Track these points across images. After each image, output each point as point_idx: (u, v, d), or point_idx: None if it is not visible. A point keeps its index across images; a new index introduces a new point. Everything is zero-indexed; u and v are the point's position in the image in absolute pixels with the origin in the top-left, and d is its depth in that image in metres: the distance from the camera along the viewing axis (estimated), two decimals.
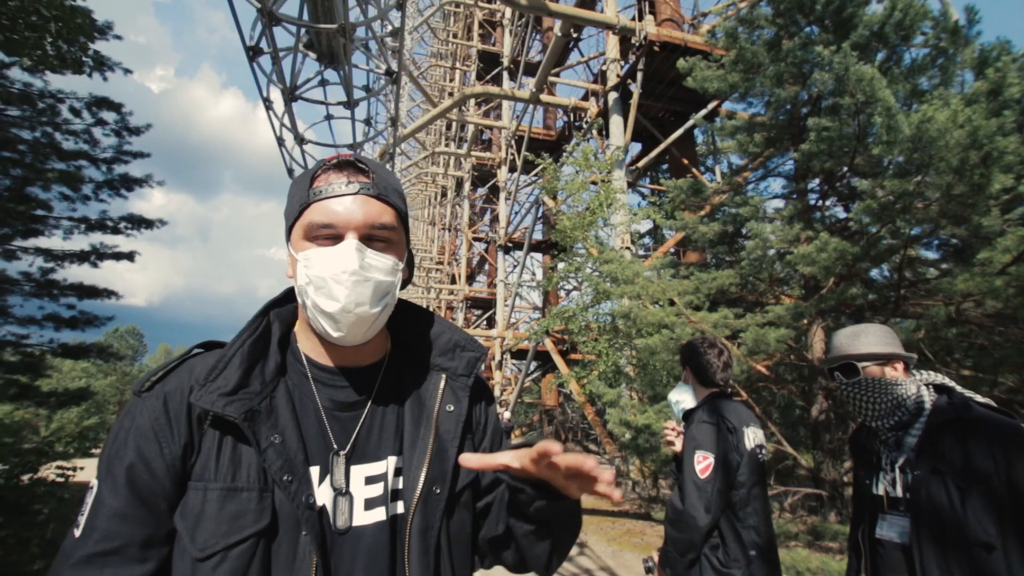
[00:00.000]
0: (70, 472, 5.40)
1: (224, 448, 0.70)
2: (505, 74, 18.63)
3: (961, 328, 5.12)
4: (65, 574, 0.63)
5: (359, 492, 0.74)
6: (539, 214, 18.37)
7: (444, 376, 0.84)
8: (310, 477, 0.72)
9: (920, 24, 5.69)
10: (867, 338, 1.61)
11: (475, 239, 25.93)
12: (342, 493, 0.73)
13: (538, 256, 22.98)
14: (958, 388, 1.53)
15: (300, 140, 6.66)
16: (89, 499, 0.67)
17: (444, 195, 28.81)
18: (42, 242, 7.74)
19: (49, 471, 5.42)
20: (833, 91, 5.58)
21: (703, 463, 1.93)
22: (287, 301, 0.86)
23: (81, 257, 8.01)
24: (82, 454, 5.68)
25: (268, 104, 5.99)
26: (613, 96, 11.71)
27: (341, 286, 0.71)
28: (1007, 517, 1.28)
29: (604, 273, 8.87)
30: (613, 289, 8.43)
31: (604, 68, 12.40)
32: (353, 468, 0.75)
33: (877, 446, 1.62)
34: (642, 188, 15.41)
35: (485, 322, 25.94)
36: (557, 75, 16.03)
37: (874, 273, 6.98)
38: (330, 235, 0.73)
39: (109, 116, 7.86)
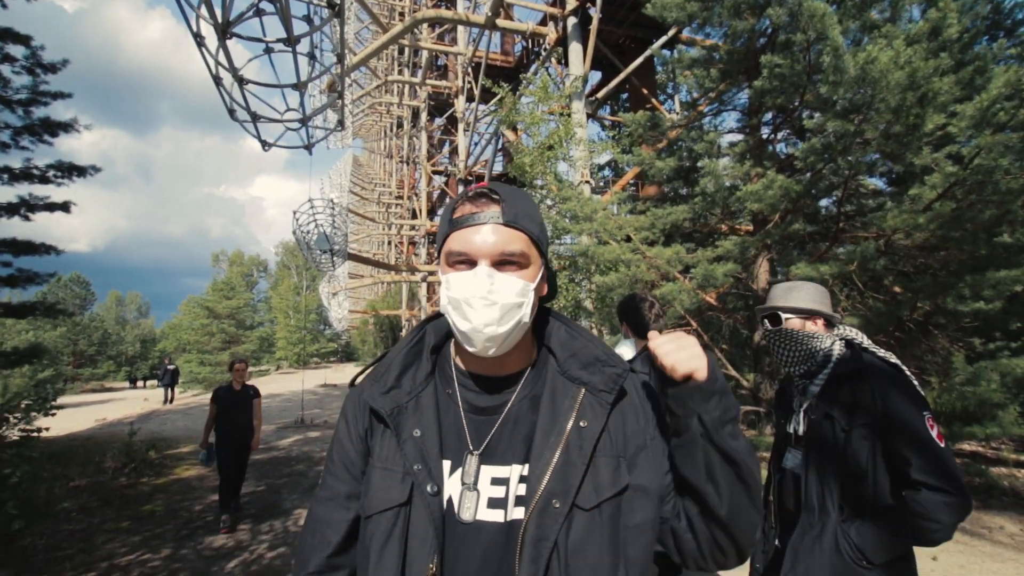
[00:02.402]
0: (34, 433, 5.40)
1: (385, 435, 0.87)
2: None
3: (889, 259, 5.53)
4: (314, 507, 0.92)
5: (485, 490, 0.82)
6: (499, 146, 17.94)
7: (583, 390, 0.86)
8: (441, 469, 0.83)
9: None
10: (797, 294, 1.80)
11: (434, 172, 25.23)
12: (470, 488, 0.82)
13: None
14: (866, 343, 1.74)
15: (240, 80, 6.23)
16: (328, 459, 0.95)
17: (400, 126, 27.54)
18: None
19: (11, 431, 5.39)
20: (787, 26, 5.55)
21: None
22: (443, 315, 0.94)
23: (9, 210, 7.49)
24: (44, 411, 5.60)
25: (200, 41, 5.55)
26: (572, 21, 11.21)
27: (472, 308, 0.79)
28: (878, 450, 1.55)
29: (563, 210, 8.95)
30: (572, 226, 8.55)
31: None
32: (483, 467, 0.83)
33: (793, 391, 1.87)
34: (602, 119, 15.16)
35: None
36: None
37: (821, 202, 7.32)
38: (465, 261, 0.82)
39: (16, 51, 7.06)
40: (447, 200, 27.40)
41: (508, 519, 0.80)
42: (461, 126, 18.84)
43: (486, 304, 0.79)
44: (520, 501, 0.80)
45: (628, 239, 7.86)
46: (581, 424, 0.83)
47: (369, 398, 0.88)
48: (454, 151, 22.73)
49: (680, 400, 0.82)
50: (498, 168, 18.93)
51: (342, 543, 0.88)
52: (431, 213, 27.18)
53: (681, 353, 0.81)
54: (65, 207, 7.90)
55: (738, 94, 7.85)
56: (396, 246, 32.59)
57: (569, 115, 10.80)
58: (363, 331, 42.07)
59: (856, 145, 4.92)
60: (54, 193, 7.69)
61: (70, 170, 7.94)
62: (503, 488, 0.82)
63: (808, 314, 1.76)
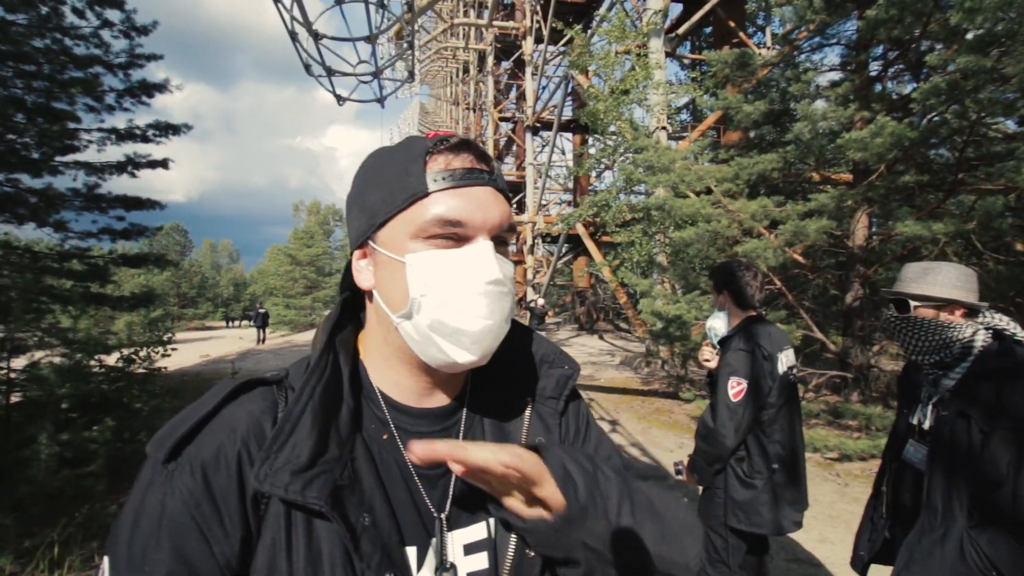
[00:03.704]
0: (156, 370, 6.07)
1: (295, 540, 0.53)
2: None
3: (1017, 216, 4.86)
4: None
5: (463, 565, 0.60)
6: (568, 90, 17.20)
7: (530, 402, 0.69)
8: (408, 564, 0.57)
9: None
10: (933, 278, 1.59)
11: (501, 119, 24.76)
12: (446, 568, 0.59)
13: (568, 135, 21.93)
14: (1019, 335, 1.52)
15: (316, 36, 6.27)
16: None
17: (466, 71, 27.02)
18: (79, 156, 7.88)
19: (137, 368, 6.07)
20: None
21: (736, 388, 2.09)
22: (346, 319, 0.68)
23: (119, 168, 8.17)
24: (158, 344, 6.07)
25: None
26: None
27: (483, 299, 0.57)
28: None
29: (638, 161, 8.53)
30: (648, 177, 8.16)
31: None
32: (450, 535, 0.61)
33: (921, 379, 1.71)
34: (682, 57, 14.04)
35: (515, 206, 25.76)
36: None
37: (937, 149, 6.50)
38: (455, 235, 0.57)
39: (113, 15, 7.48)
40: (513, 148, 27.00)
41: None
42: (529, 70, 18.16)
43: (502, 293, 0.58)
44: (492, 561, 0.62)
45: (708, 191, 7.41)
46: (538, 440, 0.66)
47: (272, 486, 0.51)
48: (521, 96, 22.08)
49: (552, 544, 0.55)
50: (567, 114, 18.25)
51: None
52: (498, 161, 26.94)
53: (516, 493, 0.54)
54: (164, 164, 8.50)
55: (844, 25, 6.96)
56: None
57: (645, 55, 10.08)
58: None
59: (991, 84, 4.24)
60: (154, 151, 8.27)
61: (167, 129, 8.48)
62: (482, 556, 0.61)
63: (944, 303, 1.57)
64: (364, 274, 0.62)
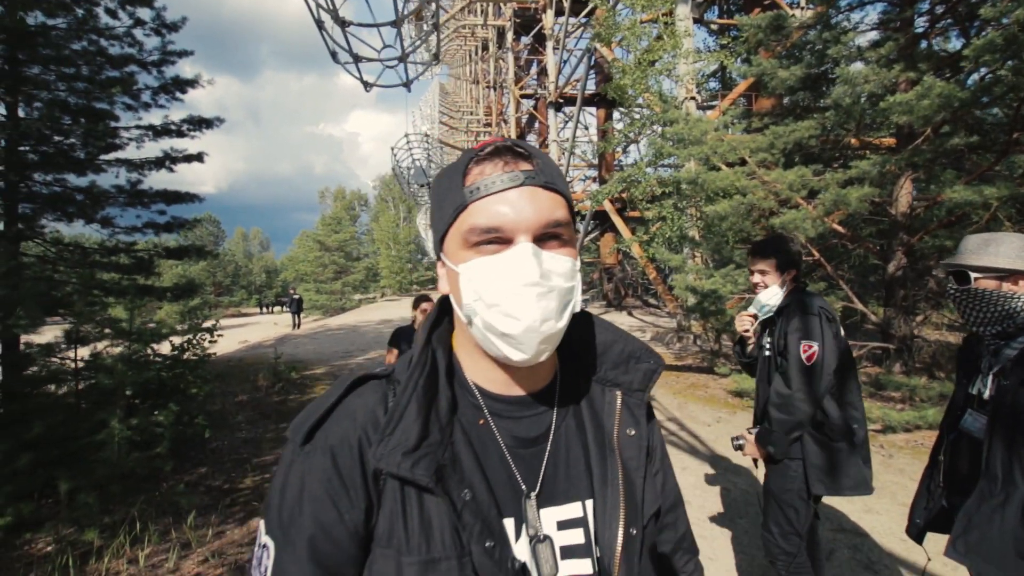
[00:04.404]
0: (204, 355, 6.30)
1: (410, 510, 0.61)
2: None
3: None
4: None
5: (556, 538, 0.66)
6: (591, 62, 16.82)
7: (619, 393, 0.74)
8: (506, 533, 0.64)
9: None
10: (994, 248, 1.57)
11: (523, 96, 24.41)
12: (540, 540, 0.64)
13: (591, 110, 21.52)
14: None
15: (342, 23, 6.28)
16: (267, 561, 0.62)
17: (485, 49, 26.66)
18: (119, 154, 8.16)
19: (189, 354, 6.29)
20: None
21: (808, 351, 2.10)
22: (443, 317, 0.74)
23: (157, 164, 8.44)
24: (194, 332, 6.17)
25: None
26: None
27: (522, 300, 0.60)
28: None
29: (668, 133, 8.35)
30: (679, 151, 7.99)
31: None
32: (543, 512, 0.66)
33: (982, 350, 1.70)
34: (709, 23, 13.54)
35: None
36: None
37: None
38: (497, 239, 0.61)
39: (144, 13, 7.64)
40: (536, 126, 26.67)
41: (596, 569, 0.66)
42: (550, 44, 17.83)
43: (541, 293, 0.60)
44: (598, 540, 0.67)
45: (742, 162, 7.22)
46: (628, 432, 0.72)
47: (386, 463, 0.60)
48: (542, 72, 21.73)
49: None
50: (591, 88, 17.88)
51: None
52: (521, 139, 26.66)
53: None
54: (200, 158, 8.74)
55: None
56: None
57: (672, 23, 9.76)
58: None
59: None
60: (188, 145, 8.52)
61: (200, 123, 8.69)
62: (578, 531, 0.67)
63: (1007, 274, 1.54)
64: (442, 281, 0.70)
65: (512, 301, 0.60)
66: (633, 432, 0.72)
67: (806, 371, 2.08)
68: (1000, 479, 1.51)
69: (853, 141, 7.47)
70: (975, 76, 5.62)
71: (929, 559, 2.55)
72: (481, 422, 0.68)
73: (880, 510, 3.65)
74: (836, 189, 5.87)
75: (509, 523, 0.64)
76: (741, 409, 6.45)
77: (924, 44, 6.41)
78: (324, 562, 0.60)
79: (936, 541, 1.87)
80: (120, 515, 3.57)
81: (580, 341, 0.76)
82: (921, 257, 7.00)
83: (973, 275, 1.58)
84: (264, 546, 0.63)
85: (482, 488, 0.63)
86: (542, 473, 0.67)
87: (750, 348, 2.49)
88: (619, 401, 0.73)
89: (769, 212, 6.78)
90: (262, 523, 0.64)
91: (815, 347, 2.09)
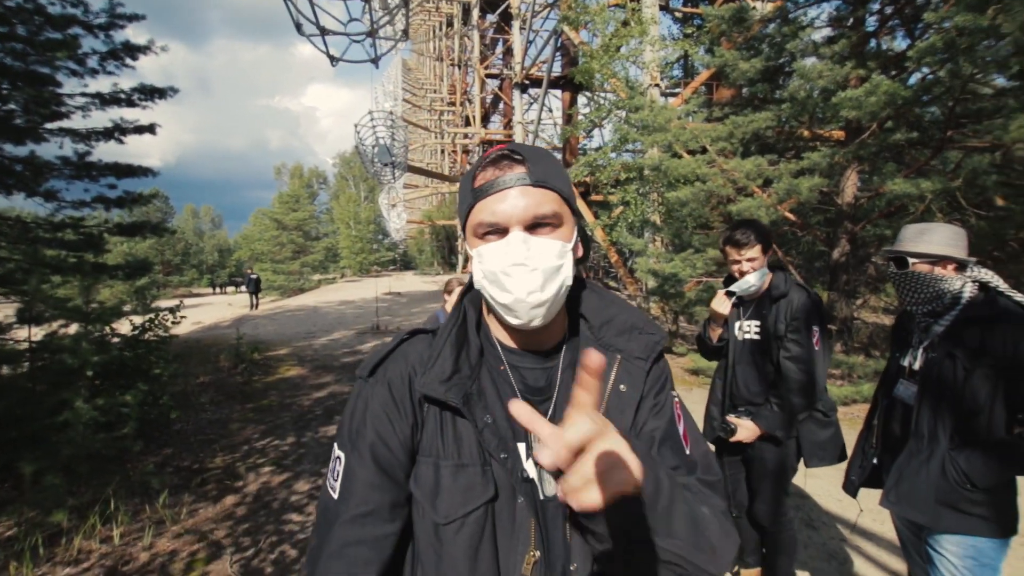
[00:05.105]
0: (168, 335, 6.11)
1: (446, 427, 0.79)
2: None
3: (1002, 174, 5.07)
4: (336, 530, 0.77)
5: None
6: (558, 44, 16.79)
7: (619, 356, 0.85)
8: (519, 452, 0.79)
9: None
10: (929, 237, 1.79)
11: (488, 76, 24.13)
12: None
13: (557, 93, 21.52)
14: (1002, 286, 1.73)
15: None
16: (339, 467, 0.80)
17: (450, 25, 26.10)
18: (64, 123, 7.68)
19: (149, 333, 6.07)
20: None
21: (816, 336, 2.23)
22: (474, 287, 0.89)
23: (106, 135, 8.00)
24: (144, 310, 6.07)
25: None
26: None
27: (511, 278, 0.75)
28: (1000, 390, 1.62)
29: (633, 120, 8.54)
30: (643, 137, 8.20)
31: None
32: None
33: (913, 327, 1.93)
34: (675, 10, 13.75)
35: None
36: None
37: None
38: (495, 230, 0.77)
39: None
40: (501, 106, 26.44)
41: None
42: (516, 23, 17.64)
43: (527, 271, 0.75)
44: None
45: (703, 150, 7.50)
46: (621, 388, 0.82)
47: (426, 388, 0.79)
48: (508, 52, 21.50)
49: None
50: (556, 71, 17.88)
51: (388, 563, 0.78)
52: (485, 120, 26.41)
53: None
54: (152, 129, 8.33)
55: None
56: (449, 155, 32.26)
57: (639, 10, 9.89)
58: (420, 240, 43.20)
59: (986, 46, 4.35)
60: (140, 116, 8.07)
61: (152, 92, 8.25)
62: None
63: (938, 259, 1.76)
64: (470, 260, 0.84)
65: (503, 279, 0.76)
66: (624, 389, 0.82)
67: (817, 355, 2.20)
68: (926, 438, 1.75)
69: (806, 133, 7.87)
70: (917, 76, 6.03)
71: (861, 510, 2.86)
72: (502, 367, 0.85)
73: (820, 475, 4.01)
74: (789, 179, 6.22)
75: (521, 446, 0.80)
76: (697, 387, 6.82)
77: (874, 43, 6.79)
78: (381, 464, 0.79)
79: (867, 496, 2.13)
80: (88, 497, 3.51)
81: (592, 310, 0.89)
82: (863, 245, 7.51)
83: (911, 260, 1.80)
84: (337, 457, 0.83)
85: (501, 416, 0.80)
86: (548, 416, 0.82)
87: (720, 331, 2.50)
88: (617, 363, 0.84)
89: (727, 199, 7.10)
90: (336, 443, 0.85)
91: (818, 332, 2.21)
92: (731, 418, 2.41)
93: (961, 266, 1.78)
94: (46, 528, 3.22)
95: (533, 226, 0.76)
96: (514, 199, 0.75)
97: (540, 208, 0.76)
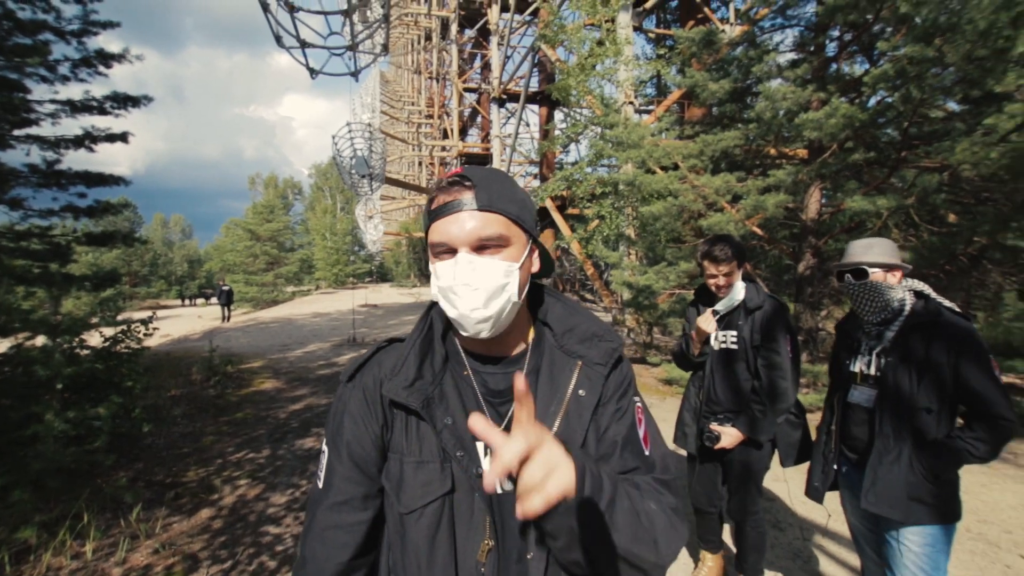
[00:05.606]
0: (139, 347, 5.95)
1: (410, 428, 0.88)
2: None
3: (951, 192, 5.41)
4: (319, 515, 0.89)
5: None
6: (535, 61, 17.13)
7: (580, 363, 0.91)
8: (477, 451, 0.86)
9: None
10: (878, 248, 1.96)
11: (466, 89, 24.38)
12: None
13: (534, 108, 21.87)
14: (933, 295, 1.93)
15: (291, 7, 6.14)
16: (324, 460, 0.93)
17: (428, 39, 26.31)
18: (32, 130, 7.51)
19: (121, 347, 5.89)
20: None
21: (788, 344, 2.37)
22: None
23: (76, 143, 7.85)
24: (110, 322, 5.79)
25: None
26: None
27: (458, 295, 0.81)
28: (946, 395, 1.78)
29: (609, 136, 8.78)
30: (618, 153, 8.43)
31: None
32: None
33: (859, 335, 2.07)
34: (647, 31, 14.21)
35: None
36: None
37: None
38: (447, 250, 0.83)
39: None
40: (478, 120, 26.68)
41: None
42: (494, 39, 17.95)
43: (470, 290, 0.80)
44: None
45: (675, 166, 7.75)
46: (580, 393, 0.88)
47: (391, 393, 0.87)
48: (486, 66, 21.80)
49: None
50: (534, 86, 18.20)
51: (361, 546, 0.88)
52: (463, 133, 26.59)
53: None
54: (124, 138, 8.20)
55: (804, 8, 7.30)
56: (427, 167, 32.32)
57: (614, 30, 10.22)
58: (396, 252, 42.95)
59: (933, 73, 4.67)
60: (112, 124, 7.98)
61: (125, 101, 8.14)
62: None
63: (889, 267, 1.93)
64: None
65: (452, 295, 0.82)
66: (584, 394, 0.88)
67: (791, 363, 2.35)
68: (892, 437, 1.89)
69: (772, 151, 8.21)
70: (874, 99, 6.39)
71: (830, 515, 3.01)
72: (465, 373, 0.92)
73: (787, 478, 4.17)
74: (756, 195, 6.49)
75: (480, 445, 0.87)
76: (671, 396, 6.98)
77: (834, 67, 7.17)
78: (356, 460, 0.89)
79: (833, 499, 2.26)
80: (58, 512, 3.43)
81: (555, 319, 0.96)
82: (827, 258, 7.85)
83: (870, 270, 1.96)
84: (322, 451, 0.95)
85: (461, 418, 0.87)
86: (507, 418, 0.89)
87: (701, 346, 2.58)
88: (577, 369, 0.90)
89: (698, 214, 7.35)
90: (324, 439, 0.96)
91: (789, 338, 2.36)
92: (715, 427, 2.51)
93: (904, 274, 1.95)
94: (12, 545, 3.13)
95: (480, 247, 0.81)
96: (462, 222, 0.81)
97: (485, 231, 0.81)
